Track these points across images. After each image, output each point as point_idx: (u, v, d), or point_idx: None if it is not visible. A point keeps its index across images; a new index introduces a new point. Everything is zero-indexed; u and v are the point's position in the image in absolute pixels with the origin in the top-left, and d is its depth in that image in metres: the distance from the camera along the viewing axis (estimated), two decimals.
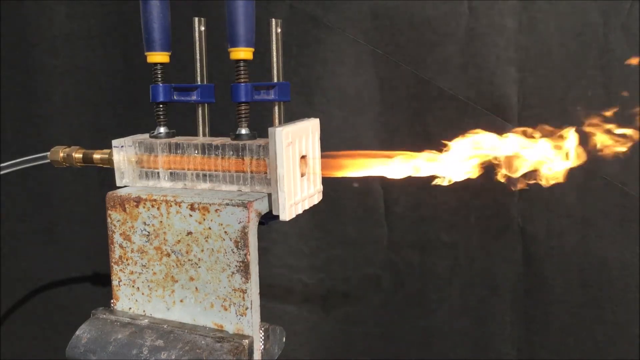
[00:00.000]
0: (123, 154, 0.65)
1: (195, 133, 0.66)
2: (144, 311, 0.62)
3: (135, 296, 0.62)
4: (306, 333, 1.16)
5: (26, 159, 0.74)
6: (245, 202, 0.56)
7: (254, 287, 0.57)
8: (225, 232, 0.57)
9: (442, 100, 1.03)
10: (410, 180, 0.59)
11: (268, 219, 0.59)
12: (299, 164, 0.58)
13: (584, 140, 0.55)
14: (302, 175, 0.59)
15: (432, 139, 1.03)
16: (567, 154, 0.54)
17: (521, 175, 0.56)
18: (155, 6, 0.64)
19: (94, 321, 0.62)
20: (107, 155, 0.68)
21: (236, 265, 0.57)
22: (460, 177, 0.56)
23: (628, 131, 0.54)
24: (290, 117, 0.62)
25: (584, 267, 1.03)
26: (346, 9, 1.04)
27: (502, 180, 0.56)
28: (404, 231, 1.09)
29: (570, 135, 0.53)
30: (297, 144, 0.57)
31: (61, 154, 0.71)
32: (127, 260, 0.62)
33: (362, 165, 0.59)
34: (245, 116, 0.61)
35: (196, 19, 0.63)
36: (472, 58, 1.01)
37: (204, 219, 0.57)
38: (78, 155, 0.70)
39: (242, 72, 0.60)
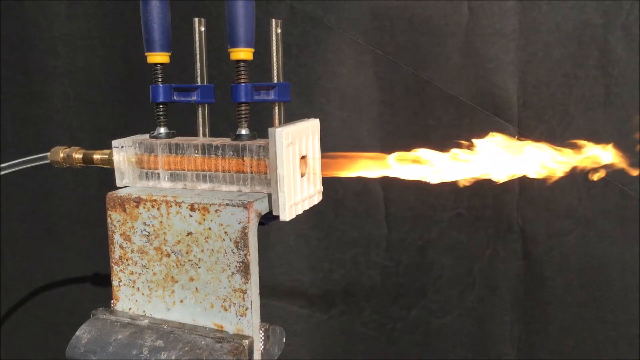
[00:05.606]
0: (123, 154, 0.65)
1: (195, 133, 0.66)
2: (144, 311, 0.62)
3: (135, 296, 0.62)
4: (306, 333, 1.16)
5: (26, 159, 0.74)
6: (245, 203, 0.56)
7: (254, 287, 0.57)
8: (225, 232, 0.57)
9: (442, 100, 1.02)
10: (411, 180, 0.58)
11: (268, 219, 0.59)
12: (299, 164, 0.58)
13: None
14: (302, 175, 0.59)
15: (432, 139, 1.03)
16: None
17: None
18: (155, 6, 0.64)
19: (94, 321, 0.62)
20: (107, 156, 0.68)
21: (236, 266, 0.57)
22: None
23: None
24: (290, 117, 0.62)
25: (584, 267, 1.03)
26: (346, 9, 1.04)
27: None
28: (403, 231, 1.09)
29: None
30: (297, 144, 0.57)
31: (61, 154, 0.71)
32: (127, 260, 0.62)
33: (367, 166, 0.58)
34: (245, 116, 0.61)
35: (196, 19, 0.63)
36: (472, 58, 1.01)
37: (204, 220, 0.57)
38: (78, 155, 0.70)
39: (242, 72, 0.60)
